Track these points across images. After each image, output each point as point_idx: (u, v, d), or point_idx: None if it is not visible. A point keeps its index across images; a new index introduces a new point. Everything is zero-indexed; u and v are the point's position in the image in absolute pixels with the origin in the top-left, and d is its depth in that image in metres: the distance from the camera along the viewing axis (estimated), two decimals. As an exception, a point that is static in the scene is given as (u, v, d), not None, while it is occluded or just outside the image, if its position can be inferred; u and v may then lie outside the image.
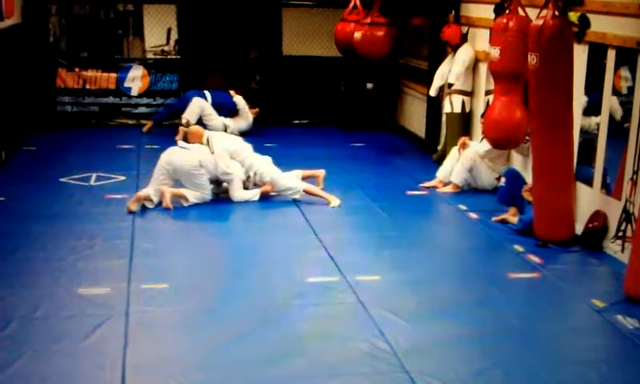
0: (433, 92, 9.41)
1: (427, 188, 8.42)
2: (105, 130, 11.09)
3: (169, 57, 11.64)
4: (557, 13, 6.12)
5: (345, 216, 7.41)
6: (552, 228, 6.62)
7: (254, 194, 7.74)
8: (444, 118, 9.50)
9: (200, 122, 10.20)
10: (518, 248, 6.60)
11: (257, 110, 11.08)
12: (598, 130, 6.69)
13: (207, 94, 10.63)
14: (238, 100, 10.79)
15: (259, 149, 8.32)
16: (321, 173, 8.21)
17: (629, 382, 4.51)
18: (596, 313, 5.34)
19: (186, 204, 7.42)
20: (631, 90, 6.21)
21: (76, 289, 5.43)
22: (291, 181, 7.88)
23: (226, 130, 10.12)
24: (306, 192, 7.79)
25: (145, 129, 10.92)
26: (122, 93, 11.29)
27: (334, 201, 7.67)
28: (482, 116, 8.08)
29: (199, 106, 10.40)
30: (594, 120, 6.83)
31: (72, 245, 6.29)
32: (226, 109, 10.70)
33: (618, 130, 6.42)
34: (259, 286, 5.64)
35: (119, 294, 5.37)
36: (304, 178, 8.12)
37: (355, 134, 11.19)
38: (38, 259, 5.99)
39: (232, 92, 10.83)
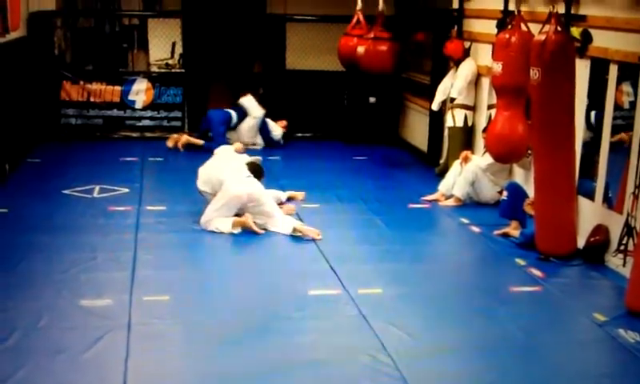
0: (435, 106, 9.44)
1: (429, 201, 8.42)
2: (109, 142, 11.11)
3: (173, 70, 11.66)
4: (559, 28, 6.16)
5: (347, 229, 7.41)
6: (554, 242, 6.61)
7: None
8: (446, 132, 9.51)
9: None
10: (520, 262, 6.59)
11: (285, 123, 11.31)
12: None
13: (232, 113, 10.84)
14: (243, 101, 11.01)
15: (262, 162, 8.31)
16: (300, 195, 8.22)
17: (630, 396, 4.52)
18: (597, 327, 5.33)
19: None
20: (633, 104, 6.23)
21: (78, 300, 5.43)
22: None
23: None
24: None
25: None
26: (126, 106, 11.30)
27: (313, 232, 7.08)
28: (484, 130, 8.11)
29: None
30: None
31: (75, 257, 6.30)
32: (244, 116, 10.97)
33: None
34: (260, 298, 5.65)
35: (121, 305, 5.37)
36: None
37: (358, 148, 11.20)
38: (40, 271, 6.00)
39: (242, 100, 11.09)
